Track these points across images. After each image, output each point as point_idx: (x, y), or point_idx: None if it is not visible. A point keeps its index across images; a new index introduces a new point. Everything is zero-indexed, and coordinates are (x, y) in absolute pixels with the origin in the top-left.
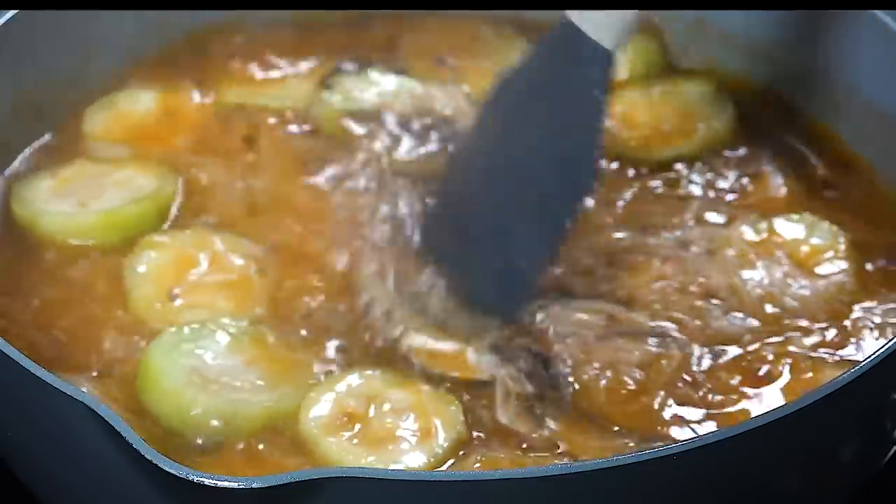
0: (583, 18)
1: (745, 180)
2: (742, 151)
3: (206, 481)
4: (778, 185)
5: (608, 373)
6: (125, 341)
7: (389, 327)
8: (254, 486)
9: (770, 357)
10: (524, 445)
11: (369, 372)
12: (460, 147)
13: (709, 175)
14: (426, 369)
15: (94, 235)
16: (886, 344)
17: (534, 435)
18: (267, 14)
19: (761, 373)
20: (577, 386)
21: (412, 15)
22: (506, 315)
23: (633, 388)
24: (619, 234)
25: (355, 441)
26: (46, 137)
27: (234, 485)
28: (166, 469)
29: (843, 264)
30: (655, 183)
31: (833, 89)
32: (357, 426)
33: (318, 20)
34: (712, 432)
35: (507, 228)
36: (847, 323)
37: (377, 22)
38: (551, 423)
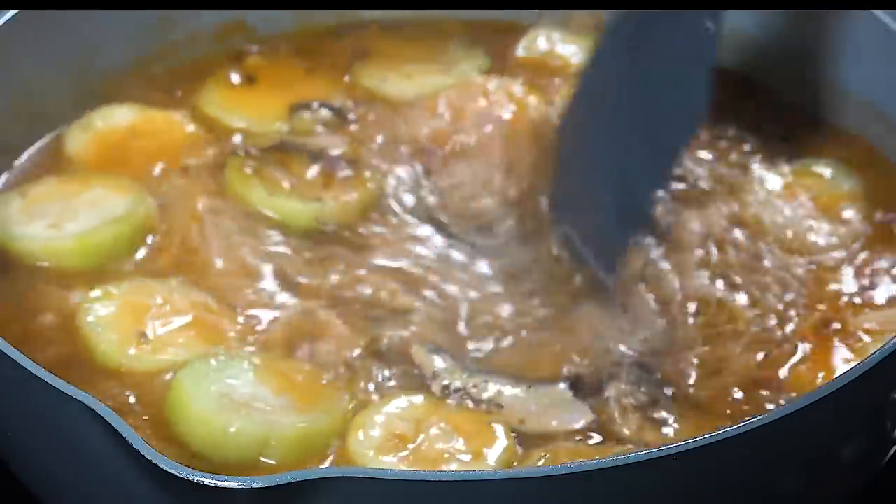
0: None
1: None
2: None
3: (206, 481)
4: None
5: (695, 360)
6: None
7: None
8: (254, 485)
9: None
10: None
11: (415, 398)
12: (577, 90)
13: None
14: (521, 430)
15: (67, 259)
16: (886, 344)
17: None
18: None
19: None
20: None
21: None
22: (616, 251)
23: (721, 366)
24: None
25: (408, 462)
26: (45, 139)
27: (234, 485)
28: (166, 469)
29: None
30: None
31: (832, 89)
32: (409, 447)
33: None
34: (712, 432)
35: (625, 161)
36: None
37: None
38: (673, 425)
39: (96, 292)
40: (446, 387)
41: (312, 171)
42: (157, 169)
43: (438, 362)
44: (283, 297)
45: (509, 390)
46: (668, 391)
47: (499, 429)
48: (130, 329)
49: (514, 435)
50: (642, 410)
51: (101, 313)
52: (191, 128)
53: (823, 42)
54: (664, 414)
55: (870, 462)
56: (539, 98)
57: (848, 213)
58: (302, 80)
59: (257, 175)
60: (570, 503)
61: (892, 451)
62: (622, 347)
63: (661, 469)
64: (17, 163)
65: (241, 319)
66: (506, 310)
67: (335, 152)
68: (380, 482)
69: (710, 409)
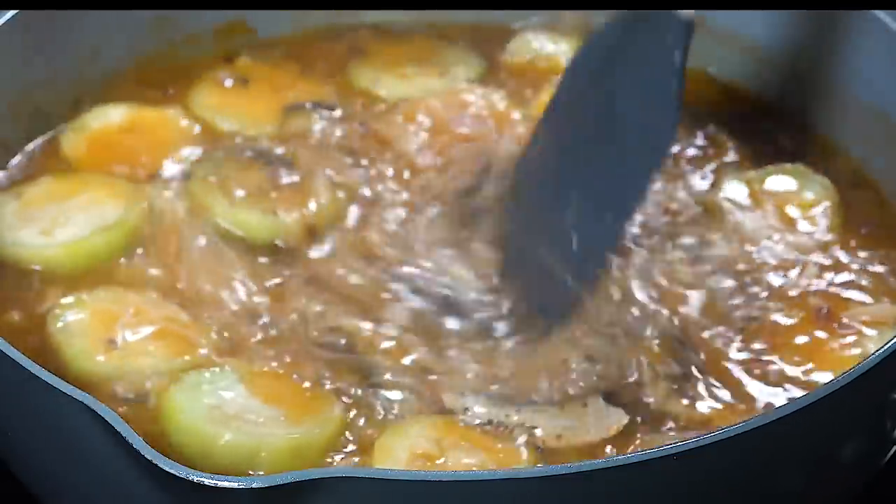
0: None
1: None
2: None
3: (206, 481)
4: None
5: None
6: None
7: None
8: (254, 485)
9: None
10: (681, 424)
11: (434, 418)
12: (540, 124)
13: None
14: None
15: (58, 265)
16: (886, 344)
17: (686, 415)
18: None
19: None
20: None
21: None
22: (577, 295)
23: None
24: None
25: None
26: (43, 138)
27: (234, 484)
28: (166, 469)
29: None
30: None
31: (832, 89)
32: (437, 463)
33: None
34: (712, 432)
35: (588, 194)
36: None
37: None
38: (707, 402)
39: (68, 299)
40: (481, 423)
41: (262, 178)
42: (149, 171)
43: (470, 401)
44: (254, 313)
45: (543, 413)
46: (700, 366)
47: (520, 439)
48: (100, 336)
49: (538, 449)
50: (671, 380)
51: (70, 319)
52: (184, 129)
53: (822, 42)
54: (693, 391)
55: (870, 462)
56: (521, 111)
57: (817, 219)
58: (295, 81)
59: (220, 187)
60: (570, 503)
61: (892, 451)
62: (648, 330)
63: (661, 469)
64: (16, 161)
65: (213, 335)
66: (500, 330)
67: (279, 153)
68: (380, 482)
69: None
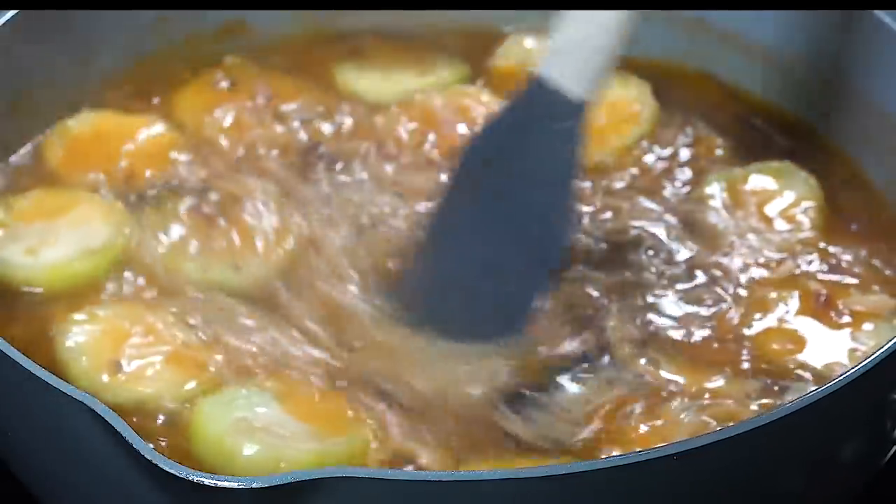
0: (555, 70)
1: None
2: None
3: (206, 481)
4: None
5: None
6: None
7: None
8: (254, 485)
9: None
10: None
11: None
12: (438, 204)
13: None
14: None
15: (41, 285)
16: (886, 344)
17: (647, 378)
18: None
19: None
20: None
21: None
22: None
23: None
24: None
25: None
26: (39, 139)
27: (234, 484)
28: (166, 469)
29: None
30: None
31: (832, 89)
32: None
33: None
34: (712, 432)
35: (491, 279)
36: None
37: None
38: (666, 367)
39: (81, 315)
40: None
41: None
42: (132, 180)
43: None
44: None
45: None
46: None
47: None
48: (106, 357)
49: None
50: (636, 343)
51: (80, 339)
52: (167, 134)
53: (822, 42)
54: (656, 355)
55: (870, 462)
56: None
57: (800, 216)
58: (283, 84)
59: (180, 251)
60: (570, 503)
61: (892, 451)
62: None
63: (661, 469)
64: (13, 159)
65: (218, 357)
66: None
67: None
68: (380, 482)
69: (699, 357)
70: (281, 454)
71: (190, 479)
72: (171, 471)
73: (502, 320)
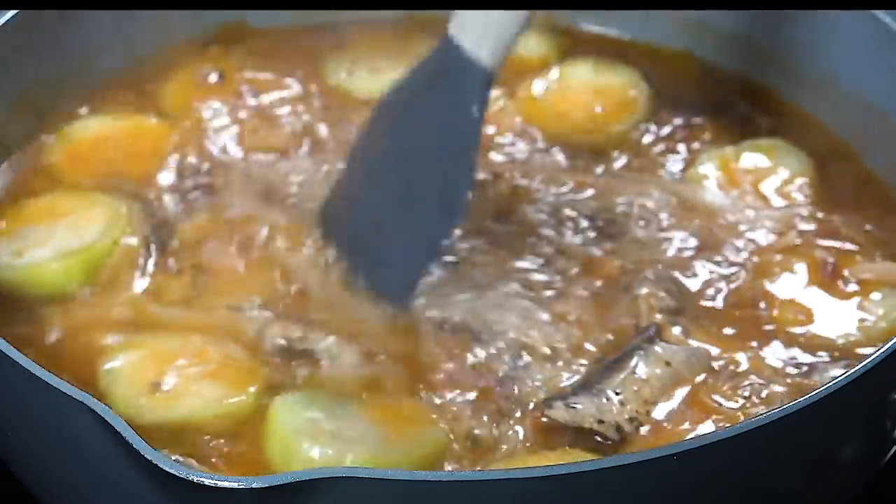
0: (462, 32)
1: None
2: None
3: (206, 481)
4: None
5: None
6: None
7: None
8: (254, 485)
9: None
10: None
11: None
12: (353, 150)
13: None
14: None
15: (22, 288)
16: (886, 344)
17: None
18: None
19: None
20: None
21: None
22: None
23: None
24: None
25: None
26: (42, 139)
27: (234, 484)
28: (166, 469)
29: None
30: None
31: (832, 89)
32: None
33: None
34: (712, 432)
35: (394, 229)
36: None
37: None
38: (695, 336)
39: (116, 338)
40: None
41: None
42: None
43: (582, 405)
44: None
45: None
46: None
47: None
48: (145, 379)
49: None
50: (668, 314)
51: (119, 363)
52: (164, 136)
53: (822, 42)
54: (689, 324)
55: (870, 462)
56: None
57: (795, 192)
58: (271, 77)
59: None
60: (570, 503)
61: (892, 451)
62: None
63: (661, 469)
64: (13, 159)
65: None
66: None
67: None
68: (380, 482)
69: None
70: (340, 458)
71: (190, 479)
72: (172, 471)
73: (399, 273)
